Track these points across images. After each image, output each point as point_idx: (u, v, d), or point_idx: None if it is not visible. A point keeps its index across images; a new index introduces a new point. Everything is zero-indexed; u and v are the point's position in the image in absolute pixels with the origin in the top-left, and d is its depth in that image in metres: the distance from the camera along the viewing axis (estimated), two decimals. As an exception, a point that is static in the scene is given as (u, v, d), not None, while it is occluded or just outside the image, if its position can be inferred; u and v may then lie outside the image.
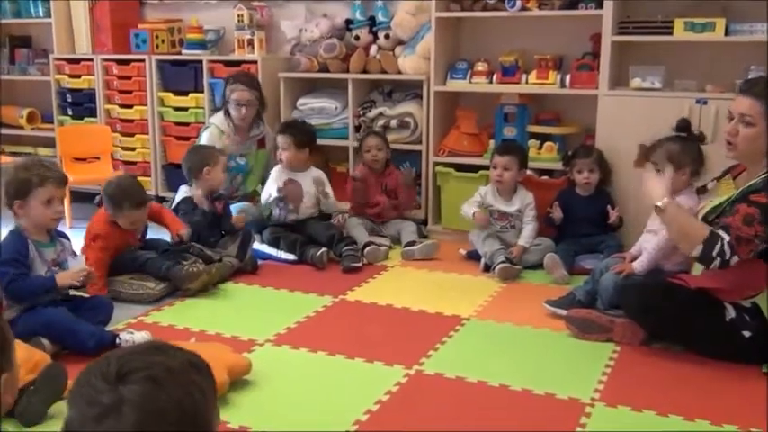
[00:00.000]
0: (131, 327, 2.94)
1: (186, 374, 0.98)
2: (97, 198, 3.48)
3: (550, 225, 3.87)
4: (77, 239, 3.32)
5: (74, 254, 3.02)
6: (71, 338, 2.69)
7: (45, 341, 2.64)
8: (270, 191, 4.05)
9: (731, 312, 2.61)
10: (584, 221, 3.78)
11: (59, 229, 3.03)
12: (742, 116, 2.61)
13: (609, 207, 3.73)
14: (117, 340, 2.71)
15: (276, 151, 4.14)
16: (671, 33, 3.77)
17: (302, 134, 4.09)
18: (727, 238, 2.51)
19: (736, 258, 2.51)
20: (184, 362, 1.00)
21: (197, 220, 3.71)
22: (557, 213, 3.81)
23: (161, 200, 4.48)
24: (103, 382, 0.94)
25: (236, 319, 3.13)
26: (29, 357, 2.35)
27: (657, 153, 3.11)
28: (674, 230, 2.69)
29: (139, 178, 4.99)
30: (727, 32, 3.67)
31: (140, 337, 2.74)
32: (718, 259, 2.52)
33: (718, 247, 2.51)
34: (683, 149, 3.13)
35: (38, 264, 2.82)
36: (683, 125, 3.21)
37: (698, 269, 2.77)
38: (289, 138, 4.04)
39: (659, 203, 2.64)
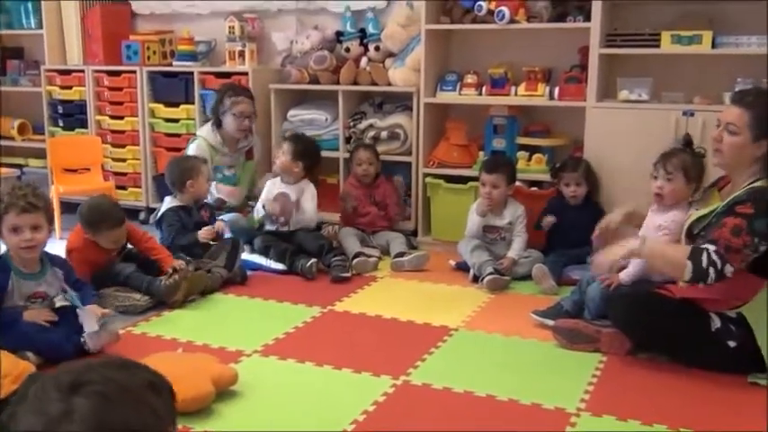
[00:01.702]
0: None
1: (142, 395, 0.95)
2: None
3: (539, 230, 3.89)
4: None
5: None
6: (49, 348, 2.67)
7: (29, 354, 2.61)
8: (262, 201, 4.07)
9: (717, 322, 2.62)
10: (572, 231, 3.78)
11: (60, 255, 3.00)
12: (727, 124, 2.65)
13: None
14: (81, 339, 2.73)
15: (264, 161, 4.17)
16: (658, 46, 3.80)
17: (303, 147, 4.12)
18: (712, 248, 2.51)
19: (729, 268, 2.49)
20: (143, 382, 0.97)
21: (183, 245, 3.72)
22: (547, 221, 3.85)
23: (151, 211, 4.48)
24: (56, 391, 0.92)
25: (223, 329, 3.13)
26: (14, 367, 2.35)
27: (673, 161, 3.16)
28: (659, 263, 2.72)
29: (130, 189, 5.04)
30: (713, 45, 3.70)
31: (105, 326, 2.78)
32: (712, 270, 2.49)
33: (705, 258, 2.50)
34: (695, 164, 3.19)
35: (16, 296, 2.74)
36: (688, 140, 3.31)
37: (685, 279, 2.78)
38: (289, 145, 4.11)
39: (636, 248, 2.68)
